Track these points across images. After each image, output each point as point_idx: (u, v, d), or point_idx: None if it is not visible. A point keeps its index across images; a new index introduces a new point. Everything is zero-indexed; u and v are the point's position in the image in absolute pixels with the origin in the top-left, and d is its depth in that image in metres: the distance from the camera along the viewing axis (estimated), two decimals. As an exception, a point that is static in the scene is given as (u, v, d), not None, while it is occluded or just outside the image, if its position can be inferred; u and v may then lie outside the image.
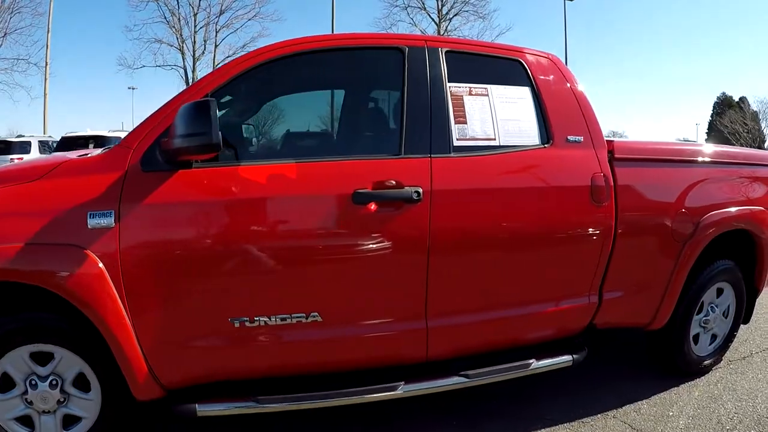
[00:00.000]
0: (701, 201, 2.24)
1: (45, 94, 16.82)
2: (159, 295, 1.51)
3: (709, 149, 2.49)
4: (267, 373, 1.69)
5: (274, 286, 1.59)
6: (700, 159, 2.33)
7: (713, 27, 66.59)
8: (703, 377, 2.49)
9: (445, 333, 1.79)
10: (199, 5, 25.08)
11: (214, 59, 26.71)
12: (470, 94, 1.85)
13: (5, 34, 21.46)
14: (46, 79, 16.61)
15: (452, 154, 1.76)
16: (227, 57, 26.19)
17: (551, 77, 2.02)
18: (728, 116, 33.70)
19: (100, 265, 1.44)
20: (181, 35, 24.96)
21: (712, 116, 38.79)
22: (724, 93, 39.38)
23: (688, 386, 2.40)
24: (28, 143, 12.27)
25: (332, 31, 18.94)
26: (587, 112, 2.04)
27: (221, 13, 25.65)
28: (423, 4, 26.67)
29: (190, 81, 25.35)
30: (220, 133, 1.44)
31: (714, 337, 2.55)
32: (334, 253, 1.63)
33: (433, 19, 28.20)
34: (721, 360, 2.64)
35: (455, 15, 26.67)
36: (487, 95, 1.87)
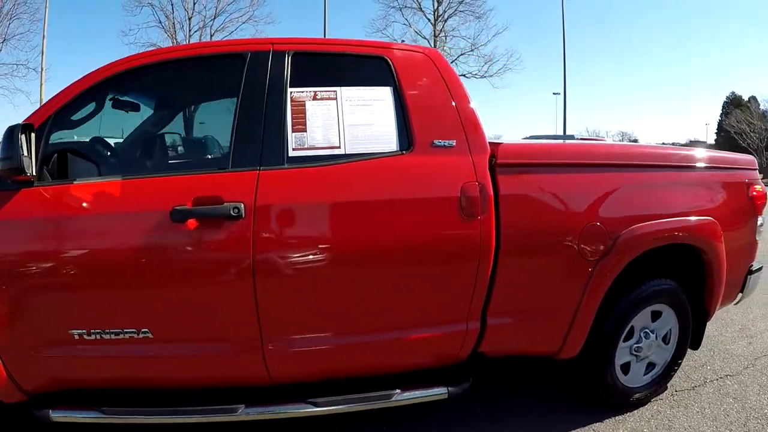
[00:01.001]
0: (620, 212, 1.92)
1: (41, 100, 17.35)
2: (8, 306, 1.54)
3: (636, 150, 2.16)
4: (108, 384, 1.70)
5: (105, 302, 1.58)
6: (619, 162, 2.01)
7: (726, 23, 61.30)
8: (635, 411, 2.17)
9: (286, 357, 1.65)
10: (194, 9, 25.24)
11: None
12: (315, 98, 1.67)
13: (4, 40, 22.42)
14: (41, 85, 17.10)
15: (286, 166, 1.60)
16: None
17: (422, 76, 1.79)
18: (734, 116, 32.27)
19: None
20: (176, 39, 25.22)
21: (720, 116, 37.02)
22: (733, 92, 37.29)
23: (614, 422, 2.10)
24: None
25: (324, 34, 18.76)
26: (466, 113, 1.79)
27: (215, 16, 25.61)
28: (419, 4, 26.07)
29: None
30: (26, 157, 1.47)
31: (651, 365, 2.22)
32: (157, 271, 1.55)
33: (429, 20, 27.46)
34: (664, 390, 2.30)
35: (451, 15, 25.92)
36: (335, 99, 1.68)
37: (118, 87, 1.83)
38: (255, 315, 1.58)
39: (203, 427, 1.81)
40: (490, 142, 1.84)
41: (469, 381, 1.84)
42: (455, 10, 25.98)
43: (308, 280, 1.60)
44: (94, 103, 1.81)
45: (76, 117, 1.77)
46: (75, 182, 1.60)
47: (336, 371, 1.74)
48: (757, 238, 2.45)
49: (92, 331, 1.55)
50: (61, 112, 1.66)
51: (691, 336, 2.25)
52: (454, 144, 1.73)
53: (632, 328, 2.11)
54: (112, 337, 1.56)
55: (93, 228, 1.57)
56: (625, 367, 2.15)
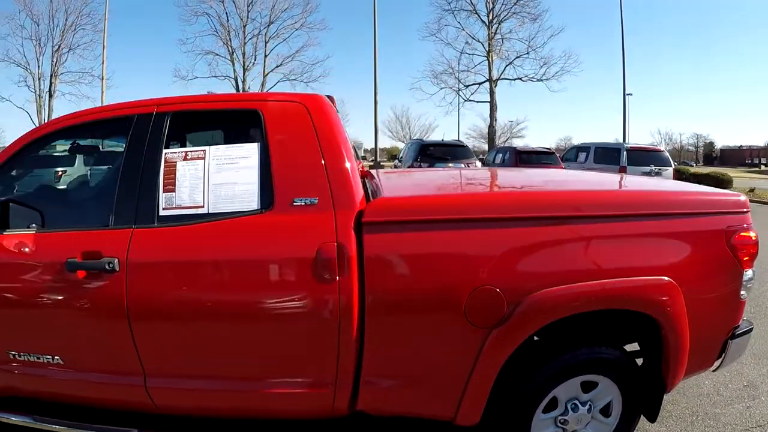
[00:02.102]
0: (524, 274, 1.67)
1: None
2: None
3: (557, 198, 1.80)
4: (38, 396, 1.99)
5: (28, 333, 1.89)
6: (528, 214, 1.71)
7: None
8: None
9: (164, 392, 1.83)
10: (248, 17, 26.19)
11: (264, 69, 27.51)
12: (185, 159, 1.77)
13: (70, 50, 25.29)
14: (102, 92, 18.99)
15: (156, 225, 1.74)
16: (277, 66, 27.15)
17: (292, 129, 1.77)
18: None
19: None
20: (231, 47, 26.12)
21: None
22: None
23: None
24: (75, 156, 14.60)
25: (375, 40, 18.17)
26: (334, 167, 1.73)
27: (269, 23, 26.45)
28: (474, 7, 25.10)
29: (240, 91, 25.99)
30: None
31: (587, 439, 1.88)
32: (60, 311, 1.82)
33: (484, 22, 25.68)
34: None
35: (506, 17, 24.84)
36: (204, 158, 1.77)
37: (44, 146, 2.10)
38: (135, 353, 1.78)
39: None
40: (381, 198, 1.77)
41: None
42: (510, 12, 24.23)
43: (172, 329, 1.75)
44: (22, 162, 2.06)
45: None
46: (4, 233, 1.82)
47: (213, 410, 1.87)
48: (744, 296, 1.91)
49: (22, 353, 1.88)
50: (4, 166, 1.95)
51: (647, 407, 1.87)
52: (317, 201, 1.68)
53: (555, 398, 1.82)
54: (36, 360, 1.87)
55: (15, 272, 1.83)
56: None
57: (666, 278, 1.70)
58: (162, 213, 1.75)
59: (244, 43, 25.67)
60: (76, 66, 26.14)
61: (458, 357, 1.70)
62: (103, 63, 17.56)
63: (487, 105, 26.84)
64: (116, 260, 1.70)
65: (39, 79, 25.16)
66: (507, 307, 1.63)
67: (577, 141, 12.33)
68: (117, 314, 1.73)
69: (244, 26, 25.66)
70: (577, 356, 1.76)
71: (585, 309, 1.69)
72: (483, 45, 25.66)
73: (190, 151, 1.80)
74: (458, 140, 11.67)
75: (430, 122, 46.13)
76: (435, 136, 39.58)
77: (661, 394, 1.89)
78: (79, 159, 2.50)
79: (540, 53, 25.32)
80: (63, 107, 25.79)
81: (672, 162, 10.62)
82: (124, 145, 1.87)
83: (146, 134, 1.82)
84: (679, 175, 18.88)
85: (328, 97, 2.22)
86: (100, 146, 2.48)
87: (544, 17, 25.08)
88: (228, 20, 25.35)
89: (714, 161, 61.06)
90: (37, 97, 25.34)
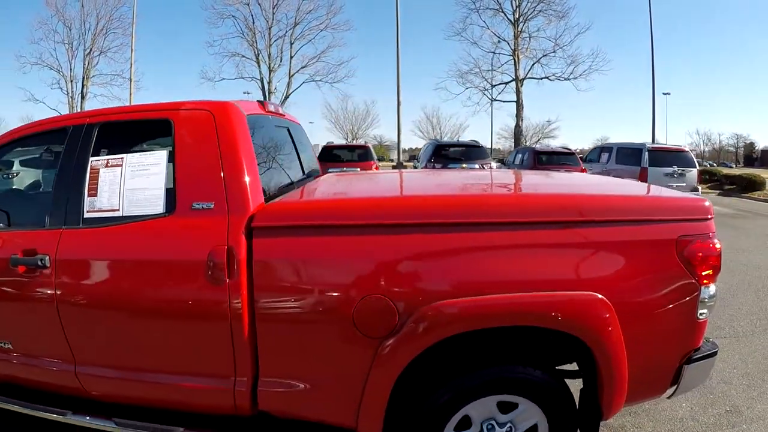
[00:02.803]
0: (421, 284, 1.60)
1: None
2: None
3: (464, 202, 1.72)
4: (3, 379, 2.14)
5: None
6: (431, 220, 1.64)
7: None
8: None
9: (90, 379, 1.93)
10: (273, 19, 26.35)
11: (289, 70, 27.55)
12: (107, 166, 1.86)
13: (101, 53, 25.89)
14: (131, 94, 19.23)
15: (81, 226, 1.86)
16: (302, 67, 27.11)
17: (197, 136, 1.81)
18: None
19: None
20: (257, 48, 26.24)
21: None
22: None
23: None
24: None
25: (397, 40, 18.04)
26: (232, 172, 1.74)
27: (295, 25, 26.52)
28: (500, 5, 24.69)
29: (266, 92, 26.59)
30: None
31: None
32: (10, 302, 1.98)
33: (510, 21, 25.09)
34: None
35: (533, 16, 24.42)
36: (121, 166, 1.84)
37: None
38: (66, 342, 1.90)
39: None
40: (273, 203, 1.78)
41: None
42: (536, 11, 23.85)
43: (93, 321, 1.86)
44: None
45: None
46: None
47: (137, 399, 1.93)
48: (703, 316, 1.71)
49: None
50: None
51: None
52: (213, 206, 1.71)
53: (468, 417, 1.73)
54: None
55: None
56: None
57: (596, 294, 1.58)
58: (86, 215, 1.87)
59: (270, 45, 26.11)
60: (107, 68, 26.78)
61: (352, 366, 1.65)
62: (131, 66, 18.25)
63: (514, 105, 26.30)
64: (47, 257, 1.85)
65: (71, 81, 26.13)
66: (399, 318, 1.57)
67: (614, 141, 11.86)
68: (49, 306, 1.87)
69: (270, 28, 26.14)
70: (483, 376, 1.67)
71: (490, 324, 1.60)
72: (509, 44, 25.29)
73: (111, 159, 1.87)
74: (474, 141, 11.54)
75: (461, 122, 45.29)
76: (466, 137, 39.15)
77: (597, 422, 1.77)
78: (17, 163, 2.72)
79: (567, 51, 24.70)
80: (95, 108, 26.50)
81: (696, 163, 10.03)
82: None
83: (77, 143, 1.95)
84: (710, 176, 17.94)
85: (260, 102, 2.25)
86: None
87: (570, 15, 24.45)
88: (254, 22, 25.86)
89: (755, 162, 57.22)
90: (70, 99, 26.34)
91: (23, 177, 2.76)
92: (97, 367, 1.91)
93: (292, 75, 26.74)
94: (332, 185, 2.55)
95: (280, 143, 2.38)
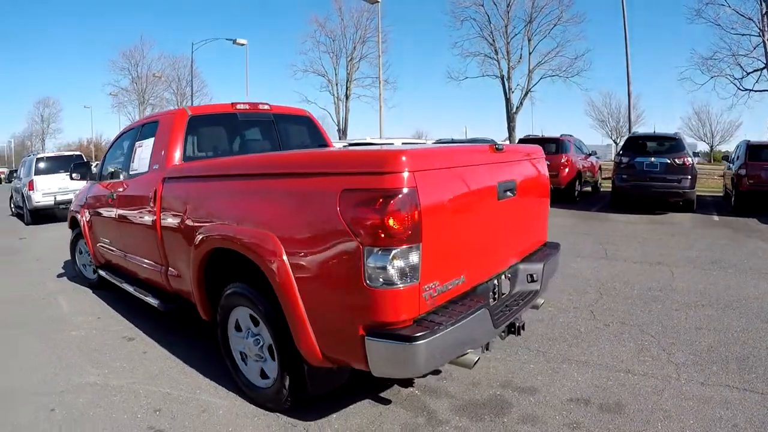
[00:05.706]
0: (205, 211, 2.47)
1: (380, 107, 19.22)
2: None
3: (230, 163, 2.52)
4: None
5: None
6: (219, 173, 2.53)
7: None
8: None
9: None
10: (508, 17, 25.61)
11: (529, 65, 26.15)
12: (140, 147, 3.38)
13: (360, 58, 28.73)
14: (380, 94, 19.63)
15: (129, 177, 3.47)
16: (539, 63, 25.78)
17: (161, 129, 3.11)
18: None
19: None
20: (495, 46, 25.82)
21: None
22: None
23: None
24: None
25: (624, 30, 14.03)
26: (162, 149, 2.99)
27: (530, 21, 25.45)
28: None
29: (506, 88, 26.06)
30: None
31: (265, 375, 2.24)
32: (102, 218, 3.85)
33: None
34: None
35: None
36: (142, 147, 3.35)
37: None
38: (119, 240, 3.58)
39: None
40: (174, 165, 2.90)
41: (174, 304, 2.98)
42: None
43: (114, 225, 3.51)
44: None
45: None
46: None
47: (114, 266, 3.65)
48: (378, 285, 1.53)
49: None
50: None
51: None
52: (157, 167, 3.00)
53: (237, 321, 2.33)
54: None
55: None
56: (243, 357, 2.34)
57: (267, 231, 1.91)
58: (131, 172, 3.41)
59: (507, 43, 26.33)
60: (369, 71, 31.01)
61: (188, 261, 2.54)
62: (379, 69, 20.91)
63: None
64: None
65: (336, 84, 31.72)
66: (194, 234, 2.44)
67: None
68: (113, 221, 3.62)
69: (506, 26, 26.35)
70: (229, 288, 2.30)
71: (217, 245, 2.27)
72: (755, 23, 18.14)
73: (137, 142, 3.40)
74: (674, 134, 9.54)
75: (732, 119, 39.86)
76: (740, 136, 30.68)
77: (301, 366, 1.94)
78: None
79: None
80: (358, 107, 32.59)
81: None
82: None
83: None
84: None
85: (232, 103, 3.29)
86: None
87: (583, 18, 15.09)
88: (490, 22, 26.46)
89: None
90: (336, 99, 31.98)
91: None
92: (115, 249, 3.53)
93: (532, 70, 26.18)
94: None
95: (235, 131, 3.40)
